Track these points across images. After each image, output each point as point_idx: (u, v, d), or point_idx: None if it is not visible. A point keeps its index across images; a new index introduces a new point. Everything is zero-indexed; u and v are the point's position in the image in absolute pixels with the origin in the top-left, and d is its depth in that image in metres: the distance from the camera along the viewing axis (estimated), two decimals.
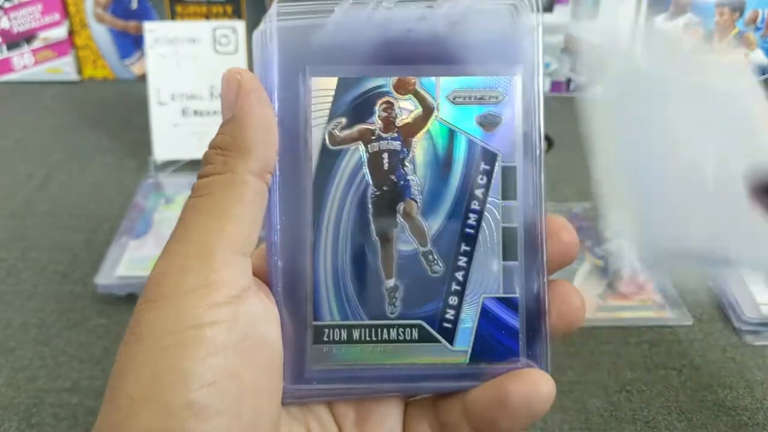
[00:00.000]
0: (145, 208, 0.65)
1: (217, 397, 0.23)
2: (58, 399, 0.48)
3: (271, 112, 0.27)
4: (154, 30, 0.71)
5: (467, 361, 0.28)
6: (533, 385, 0.26)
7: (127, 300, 0.56)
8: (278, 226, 0.28)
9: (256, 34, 0.28)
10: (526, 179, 0.28)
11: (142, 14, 0.89)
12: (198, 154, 0.71)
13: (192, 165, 0.71)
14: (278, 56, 0.28)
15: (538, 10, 0.28)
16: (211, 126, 0.70)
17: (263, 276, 0.28)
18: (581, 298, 0.28)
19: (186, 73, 0.71)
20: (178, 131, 0.71)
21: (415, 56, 0.28)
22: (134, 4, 0.89)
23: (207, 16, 0.88)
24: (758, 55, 0.85)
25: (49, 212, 0.67)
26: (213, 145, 0.27)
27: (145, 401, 0.22)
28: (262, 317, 0.26)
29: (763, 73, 0.86)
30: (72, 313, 0.55)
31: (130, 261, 0.58)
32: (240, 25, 0.71)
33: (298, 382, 0.28)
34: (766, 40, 0.85)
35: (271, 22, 0.27)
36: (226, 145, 0.26)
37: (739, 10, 0.83)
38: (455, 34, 0.28)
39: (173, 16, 0.88)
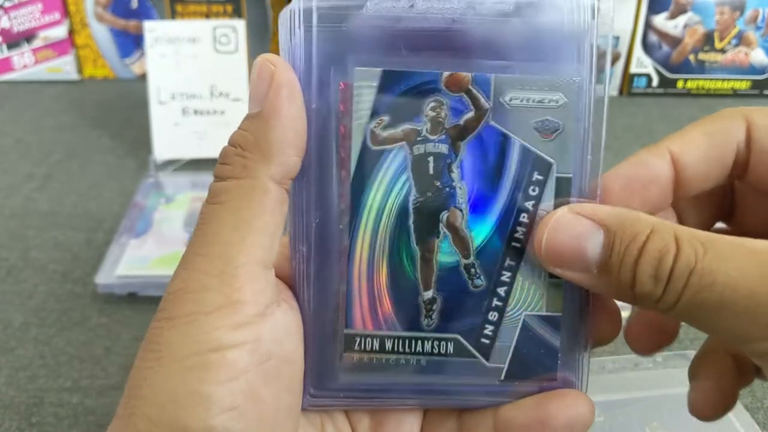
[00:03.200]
0: (145, 207, 0.65)
1: (238, 421, 0.22)
2: (59, 398, 0.48)
3: (302, 111, 0.25)
4: (154, 29, 0.71)
5: (502, 378, 0.27)
6: (576, 407, 0.25)
7: (127, 299, 0.56)
8: (313, 230, 0.26)
9: (284, 14, 0.25)
10: (582, 191, 0.26)
11: (142, 13, 0.89)
12: (198, 153, 0.72)
13: (192, 164, 0.71)
14: (315, 43, 0.25)
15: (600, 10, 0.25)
16: (212, 125, 0.71)
17: (286, 277, 0.27)
18: (618, 310, 0.27)
19: (186, 73, 0.71)
20: (178, 130, 0.71)
21: (469, 49, 0.25)
22: (134, 4, 0.89)
23: (207, 16, 0.88)
24: (758, 55, 0.85)
25: (49, 212, 0.67)
26: (233, 143, 0.25)
27: (164, 424, 0.21)
28: (286, 333, 0.25)
29: (763, 73, 0.86)
30: (72, 313, 0.55)
31: (130, 260, 0.58)
32: (240, 25, 0.71)
33: (324, 392, 0.27)
34: (767, 39, 0.85)
35: (301, 2, 0.25)
36: (247, 145, 0.24)
37: (740, 9, 0.83)
38: (517, 28, 0.25)
39: (173, 15, 0.88)
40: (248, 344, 0.23)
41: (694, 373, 0.30)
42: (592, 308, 0.27)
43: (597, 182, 0.26)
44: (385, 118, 0.26)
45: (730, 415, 0.43)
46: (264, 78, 0.24)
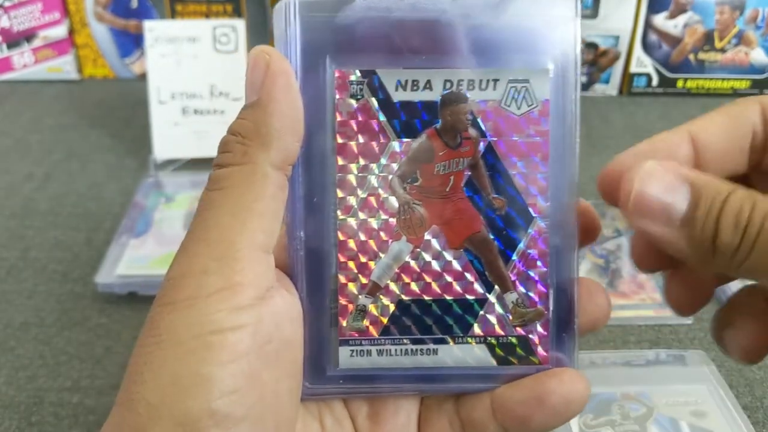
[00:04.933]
0: (145, 207, 0.65)
1: (240, 404, 0.22)
2: (59, 398, 0.48)
3: (298, 99, 0.25)
4: (154, 29, 0.71)
5: (496, 363, 0.27)
6: (572, 384, 0.26)
7: (127, 299, 0.56)
8: (303, 221, 0.27)
9: (279, 6, 0.26)
10: (560, 171, 0.27)
11: (142, 13, 0.89)
12: (198, 153, 0.72)
13: (192, 164, 0.71)
14: (311, 32, 0.26)
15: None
16: (212, 125, 0.71)
17: (283, 266, 0.27)
18: (607, 296, 0.28)
19: (186, 72, 0.71)
20: (178, 130, 0.71)
21: (456, 43, 0.26)
22: (134, 3, 0.89)
23: (207, 15, 0.88)
24: (758, 55, 0.85)
25: (49, 211, 0.67)
26: (233, 131, 0.25)
27: (166, 407, 0.21)
28: (286, 317, 0.25)
29: (763, 73, 0.86)
30: (72, 312, 0.55)
31: (130, 260, 0.58)
32: (240, 24, 0.71)
33: (321, 382, 0.27)
34: (766, 39, 0.84)
35: None
36: (247, 133, 0.25)
37: (740, 8, 0.83)
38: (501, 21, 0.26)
39: (173, 14, 0.88)
40: (249, 326, 0.23)
41: (728, 321, 0.29)
42: (581, 292, 0.27)
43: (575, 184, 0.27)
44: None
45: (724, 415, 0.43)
46: (260, 68, 0.25)
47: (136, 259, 0.58)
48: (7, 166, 0.74)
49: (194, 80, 0.71)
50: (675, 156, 0.26)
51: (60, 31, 0.89)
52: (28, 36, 0.89)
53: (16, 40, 0.89)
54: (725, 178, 0.28)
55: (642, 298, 0.55)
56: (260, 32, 0.88)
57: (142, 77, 0.80)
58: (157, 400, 0.22)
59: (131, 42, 0.91)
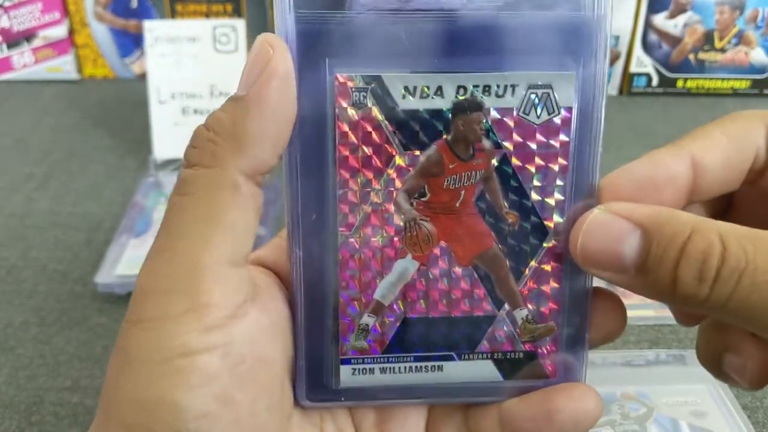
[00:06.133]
0: (145, 206, 0.65)
1: (212, 427, 0.21)
2: (59, 398, 0.48)
3: (292, 105, 0.23)
4: (154, 29, 0.71)
5: (503, 377, 0.26)
6: (582, 401, 0.25)
7: (127, 299, 0.55)
8: (301, 239, 0.25)
9: (275, 1, 0.23)
10: (580, 183, 0.25)
11: (142, 13, 0.89)
12: None
13: None
14: (309, 31, 0.23)
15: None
16: None
17: (277, 268, 0.26)
18: (623, 308, 0.27)
19: (186, 72, 0.71)
20: (178, 130, 0.71)
21: (467, 43, 0.24)
22: (134, 3, 0.89)
23: (207, 15, 0.88)
24: (758, 54, 0.85)
25: (49, 211, 0.67)
26: (208, 125, 0.23)
27: (138, 431, 0.21)
28: (262, 334, 0.24)
29: (763, 72, 0.86)
30: (72, 312, 0.55)
31: (130, 260, 0.58)
32: (240, 24, 0.71)
33: (322, 399, 0.26)
34: (766, 38, 0.85)
35: None
36: (221, 130, 0.22)
37: (740, 8, 0.83)
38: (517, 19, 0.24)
39: (173, 14, 0.88)
40: (219, 348, 0.22)
41: (725, 344, 0.27)
42: (597, 305, 0.26)
43: (595, 182, 0.25)
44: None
45: (719, 413, 0.43)
46: (259, 62, 0.22)
47: (136, 259, 0.58)
48: (7, 166, 0.74)
49: (194, 80, 0.71)
50: (674, 184, 0.25)
51: (60, 31, 0.89)
52: (28, 36, 0.89)
53: (16, 40, 0.89)
54: (716, 198, 0.27)
55: (642, 298, 0.55)
56: (260, 32, 0.88)
57: (142, 77, 0.80)
58: (130, 423, 0.21)
59: (131, 42, 0.91)
